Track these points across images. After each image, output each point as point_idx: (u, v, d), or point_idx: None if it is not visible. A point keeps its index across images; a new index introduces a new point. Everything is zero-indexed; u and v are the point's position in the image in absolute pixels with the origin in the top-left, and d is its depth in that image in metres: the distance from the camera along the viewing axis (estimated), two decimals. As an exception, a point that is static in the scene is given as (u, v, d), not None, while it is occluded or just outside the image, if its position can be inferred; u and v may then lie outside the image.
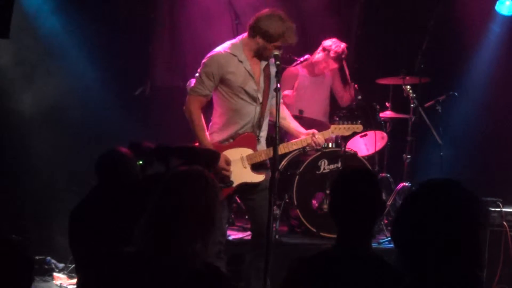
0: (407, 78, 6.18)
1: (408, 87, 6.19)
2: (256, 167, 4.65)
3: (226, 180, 4.54)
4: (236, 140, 4.63)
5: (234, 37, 5.62)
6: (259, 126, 4.70)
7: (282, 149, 4.76)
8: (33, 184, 6.32)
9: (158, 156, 3.64)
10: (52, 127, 6.39)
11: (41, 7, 6.23)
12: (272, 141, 4.81)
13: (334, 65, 6.34)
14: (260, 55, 4.58)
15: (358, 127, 5.09)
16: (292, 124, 4.88)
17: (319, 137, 4.77)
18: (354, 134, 5.91)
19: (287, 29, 4.51)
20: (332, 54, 6.25)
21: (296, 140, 4.80)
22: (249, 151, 4.62)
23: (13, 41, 5.58)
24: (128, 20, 6.54)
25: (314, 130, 4.83)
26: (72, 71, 6.43)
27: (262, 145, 4.75)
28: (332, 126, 4.99)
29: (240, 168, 4.59)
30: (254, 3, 6.30)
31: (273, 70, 4.70)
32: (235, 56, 4.57)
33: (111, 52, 6.38)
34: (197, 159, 3.70)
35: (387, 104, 6.39)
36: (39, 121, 6.34)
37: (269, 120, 4.81)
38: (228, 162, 4.55)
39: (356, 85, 6.22)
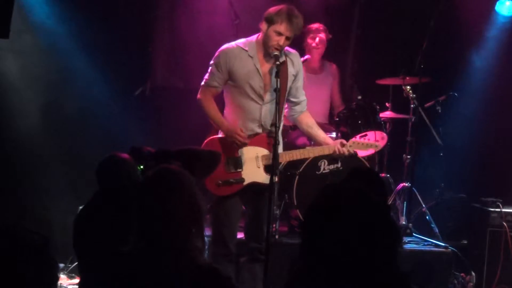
0: (407, 78, 6.18)
1: (408, 87, 6.18)
2: (270, 169, 4.61)
3: (237, 166, 4.59)
4: (254, 139, 4.63)
5: (234, 37, 5.65)
6: (271, 125, 4.65)
7: (306, 153, 4.77)
8: (33, 184, 6.32)
9: (158, 160, 3.64)
10: (52, 127, 6.39)
11: (41, 7, 6.23)
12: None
13: (322, 37, 6.38)
14: (266, 45, 4.55)
15: (377, 145, 5.01)
16: (320, 134, 4.82)
17: (345, 149, 4.72)
18: (354, 134, 5.92)
19: (287, 12, 4.51)
20: (310, 29, 6.36)
21: (324, 147, 4.78)
22: (265, 151, 4.62)
23: (13, 41, 5.58)
24: (128, 20, 6.54)
25: (343, 140, 4.79)
26: (72, 71, 6.43)
27: (280, 148, 4.71)
28: (351, 141, 4.86)
29: (254, 167, 4.59)
30: (254, 3, 6.30)
31: (293, 69, 4.70)
32: (246, 51, 4.60)
33: (112, 52, 6.39)
34: (198, 161, 3.70)
35: (387, 104, 6.39)
36: (39, 121, 6.34)
37: (284, 125, 4.82)
38: (238, 162, 4.58)
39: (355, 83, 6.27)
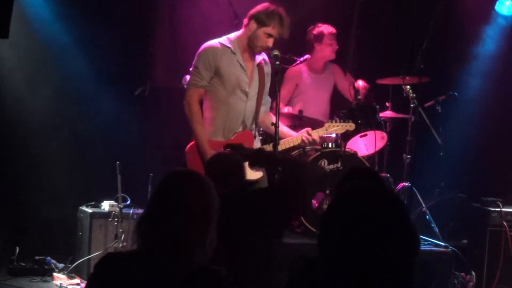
0: (407, 78, 6.18)
1: (408, 87, 6.18)
2: (254, 165, 4.67)
3: None
4: (234, 138, 4.65)
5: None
6: (251, 121, 4.75)
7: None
8: (33, 184, 6.33)
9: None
10: (52, 127, 6.40)
11: (40, 8, 6.23)
12: (266, 141, 4.88)
13: (335, 45, 6.37)
14: (252, 44, 4.62)
15: (351, 125, 5.20)
16: (284, 129, 4.89)
17: (314, 134, 4.80)
18: (354, 134, 5.92)
19: (281, 16, 4.59)
20: (326, 32, 6.32)
21: (289, 138, 4.81)
22: None
23: (13, 42, 5.58)
24: (128, 20, 6.54)
25: (308, 128, 4.87)
26: (72, 72, 6.43)
27: (258, 142, 4.83)
28: (326, 124, 5.05)
29: None
30: (254, 3, 6.30)
31: (267, 69, 4.81)
32: (229, 47, 4.64)
33: (111, 52, 6.38)
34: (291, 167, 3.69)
35: (387, 104, 6.39)
36: (39, 121, 6.34)
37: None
38: None
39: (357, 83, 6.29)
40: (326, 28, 6.33)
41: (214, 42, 4.70)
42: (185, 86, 4.88)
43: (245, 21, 4.70)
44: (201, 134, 4.59)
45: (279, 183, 4.82)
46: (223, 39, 4.71)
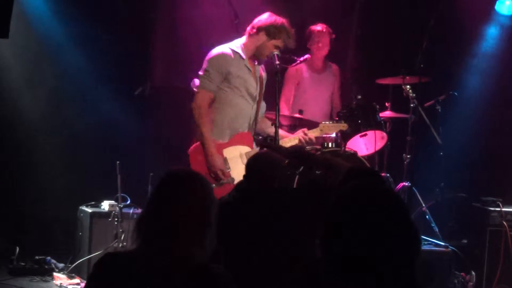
0: (407, 78, 6.18)
1: (408, 86, 6.18)
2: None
3: (227, 176, 4.69)
4: (233, 139, 4.72)
5: (233, 37, 5.70)
6: (254, 124, 4.94)
7: None
8: (33, 184, 6.33)
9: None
10: (51, 127, 6.40)
11: (39, 6, 6.23)
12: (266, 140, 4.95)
13: (325, 39, 6.40)
14: (259, 53, 4.80)
15: (344, 125, 5.37)
16: (280, 131, 4.96)
17: (310, 134, 4.89)
18: (354, 133, 5.92)
19: (288, 29, 4.81)
20: (312, 30, 6.37)
21: (286, 138, 4.93)
22: (247, 149, 4.76)
23: (10, 40, 5.58)
24: (128, 20, 6.54)
25: (304, 129, 5.04)
26: (71, 71, 6.43)
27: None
28: (321, 124, 5.20)
29: (240, 165, 4.66)
30: (253, 3, 6.30)
31: (264, 75, 5.02)
32: (238, 53, 4.78)
33: (111, 52, 6.39)
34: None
35: (386, 104, 6.38)
36: (38, 121, 6.34)
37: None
38: (225, 163, 4.66)
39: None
40: (313, 27, 6.41)
41: (224, 47, 4.84)
42: (194, 89, 4.92)
43: (253, 30, 4.83)
44: (208, 138, 4.70)
45: (315, 184, 4.80)
46: (231, 44, 4.86)
